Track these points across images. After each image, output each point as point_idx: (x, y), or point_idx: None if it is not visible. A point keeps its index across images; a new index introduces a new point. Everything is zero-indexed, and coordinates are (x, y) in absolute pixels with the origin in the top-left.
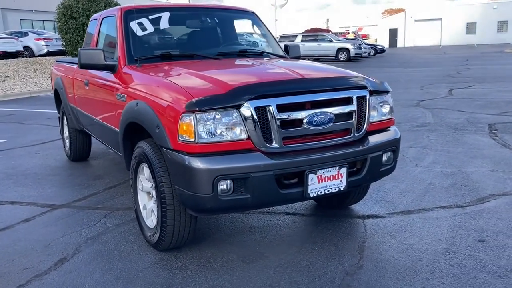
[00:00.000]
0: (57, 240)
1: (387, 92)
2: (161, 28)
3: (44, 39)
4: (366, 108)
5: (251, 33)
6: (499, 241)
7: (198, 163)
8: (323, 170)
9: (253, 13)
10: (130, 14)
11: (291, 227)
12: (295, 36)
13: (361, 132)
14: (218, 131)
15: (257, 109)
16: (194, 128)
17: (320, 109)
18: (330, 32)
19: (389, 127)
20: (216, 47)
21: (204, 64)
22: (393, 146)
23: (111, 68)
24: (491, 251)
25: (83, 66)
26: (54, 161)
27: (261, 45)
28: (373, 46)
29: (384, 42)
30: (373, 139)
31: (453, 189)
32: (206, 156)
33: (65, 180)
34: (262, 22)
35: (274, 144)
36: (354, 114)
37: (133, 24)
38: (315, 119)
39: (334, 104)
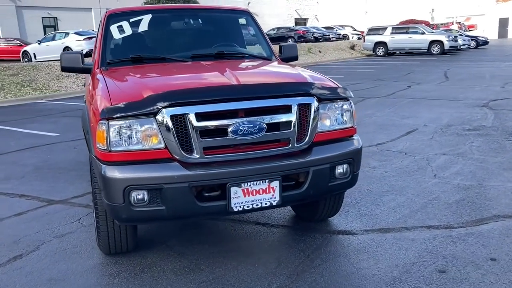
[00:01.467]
0: (28, 236)
1: (345, 98)
2: (139, 31)
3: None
4: (310, 116)
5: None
6: (462, 273)
7: (109, 172)
8: (249, 183)
9: (245, 12)
10: (113, 17)
11: (246, 238)
12: (384, 28)
13: (303, 143)
14: (133, 140)
15: (173, 117)
16: (107, 136)
17: (247, 118)
18: (426, 24)
19: (349, 136)
20: (194, 49)
21: (165, 68)
22: (348, 158)
23: (88, 71)
24: (443, 284)
25: (64, 69)
26: (84, 156)
27: (245, 44)
28: (474, 38)
29: (493, 33)
30: (319, 151)
31: (455, 206)
32: (119, 165)
33: (80, 176)
34: (255, 22)
35: (194, 154)
36: (293, 123)
37: (113, 27)
38: (241, 128)
39: (267, 113)
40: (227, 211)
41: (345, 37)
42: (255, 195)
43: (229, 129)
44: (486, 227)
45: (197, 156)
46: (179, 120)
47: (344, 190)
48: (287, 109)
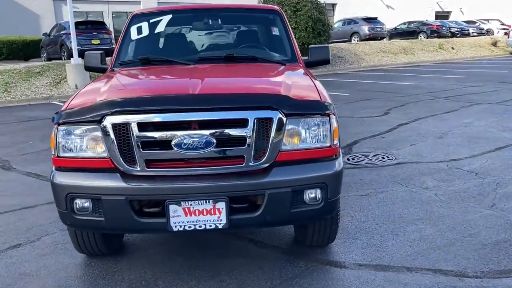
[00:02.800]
0: (41, 226)
1: (323, 114)
2: (156, 31)
3: None
4: (271, 133)
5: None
6: None
7: (55, 177)
8: (190, 202)
9: (274, 10)
10: (136, 17)
11: (227, 255)
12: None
13: (261, 162)
14: (80, 146)
15: (115, 126)
16: (55, 141)
17: (192, 131)
18: None
19: (326, 157)
20: (205, 51)
21: (158, 71)
22: (320, 182)
23: (105, 71)
24: None
25: (87, 68)
26: None
27: (270, 47)
28: None
29: None
30: (280, 172)
31: (489, 249)
32: (65, 171)
33: None
34: (283, 22)
35: (137, 167)
36: (249, 139)
37: (133, 28)
38: (185, 142)
39: (219, 126)
40: (167, 230)
41: (488, 32)
42: (198, 215)
43: (173, 142)
44: (507, 281)
45: (139, 168)
46: (122, 129)
47: (315, 219)
48: (242, 124)
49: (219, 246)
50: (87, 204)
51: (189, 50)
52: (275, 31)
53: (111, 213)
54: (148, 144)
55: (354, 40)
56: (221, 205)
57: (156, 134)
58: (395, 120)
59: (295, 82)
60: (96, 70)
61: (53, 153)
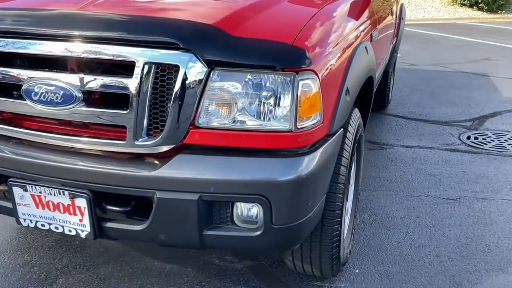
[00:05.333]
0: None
1: (283, 69)
2: None
3: None
4: (176, 91)
5: None
6: None
7: None
8: (40, 188)
9: None
10: None
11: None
12: None
13: (156, 141)
14: None
15: None
16: None
17: (47, 74)
18: None
19: (283, 150)
20: None
21: None
22: (254, 194)
23: None
24: None
25: None
26: None
27: None
28: None
29: None
30: (187, 163)
31: None
32: None
33: None
34: None
35: None
36: (133, 98)
37: None
38: (36, 90)
39: (87, 69)
40: (18, 221)
41: None
42: (53, 210)
43: (22, 88)
44: None
45: None
46: None
47: (251, 250)
48: (125, 69)
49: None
50: None
51: None
52: None
53: None
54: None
55: None
56: (81, 203)
57: (6, 71)
58: None
59: (267, 8)
60: None
61: None
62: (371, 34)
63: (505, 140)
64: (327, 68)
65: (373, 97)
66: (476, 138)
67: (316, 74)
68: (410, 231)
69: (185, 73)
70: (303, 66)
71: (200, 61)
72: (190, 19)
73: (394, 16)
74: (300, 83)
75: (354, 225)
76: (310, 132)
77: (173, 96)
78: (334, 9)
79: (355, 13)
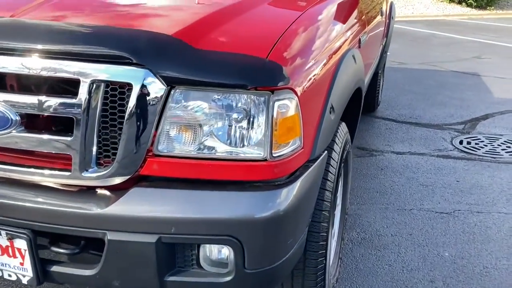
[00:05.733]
0: None
1: (256, 88)
2: None
3: None
4: (129, 113)
5: None
6: None
7: None
8: None
9: None
10: None
11: None
12: None
13: (106, 172)
14: None
15: None
16: None
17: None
18: None
19: (257, 182)
20: None
21: None
22: (222, 235)
23: None
24: None
25: None
26: None
27: None
28: None
29: None
30: (145, 198)
31: None
32: None
33: None
34: None
35: None
36: (79, 123)
37: None
38: None
39: (27, 88)
40: None
41: None
42: None
43: None
44: None
45: None
46: None
47: None
48: (70, 87)
49: None
50: None
51: None
52: None
53: None
54: None
55: None
56: (22, 244)
57: None
58: None
59: (239, 14)
60: None
61: None
62: (359, 39)
63: (498, 145)
64: (308, 84)
65: (361, 108)
66: (469, 143)
67: (295, 93)
68: (402, 252)
69: (139, 92)
70: (279, 84)
71: (158, 79)
72: (145, 28)
73: (384, 15)
74: (276, 103)
75: (342, 247)
76: (288, 160)
77: (125, 119)
78: (318, 14)
79: (342, 16)
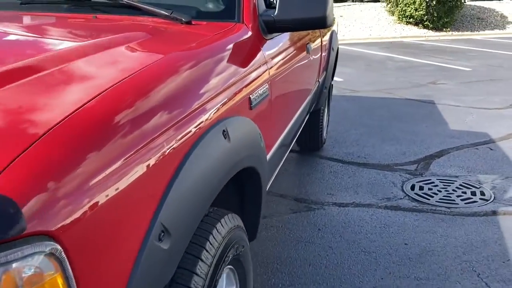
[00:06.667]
0: None
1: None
2: None
3: None
4: None
5: None
6: None
7: None
8: None
9: None
10: None
11: None
12: None
13: None
14: None
15: None
16: None
17: None
18: None
19: None
20: None
21: None
22: None
23: None
24: None
25: None
26: None
27: None
28: None
29: None
30: None
31: None
32: None
33: None
34: None
35: None
36: None
37: None
38: None
39: None
40: None
41: None
42: None
43: None
44: None
45: None
46: None
47: None
48: None
49: None
50: None
51: None
52: None
53: None
54: None
55: None
56: None
57: None
58: None
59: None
60: None
61: None
62: (249, 98)
63: (454, 190)
64: (98, 211)
65: (263, 194)
66: (421, 188)
67: (58, 240)
68: None
69: None
70: (14, 232)
71: None
72: None
73: (314, 52)
74: (13, 268)
75: None
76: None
77: None
78: (144, 80)
79: (206, 74)
